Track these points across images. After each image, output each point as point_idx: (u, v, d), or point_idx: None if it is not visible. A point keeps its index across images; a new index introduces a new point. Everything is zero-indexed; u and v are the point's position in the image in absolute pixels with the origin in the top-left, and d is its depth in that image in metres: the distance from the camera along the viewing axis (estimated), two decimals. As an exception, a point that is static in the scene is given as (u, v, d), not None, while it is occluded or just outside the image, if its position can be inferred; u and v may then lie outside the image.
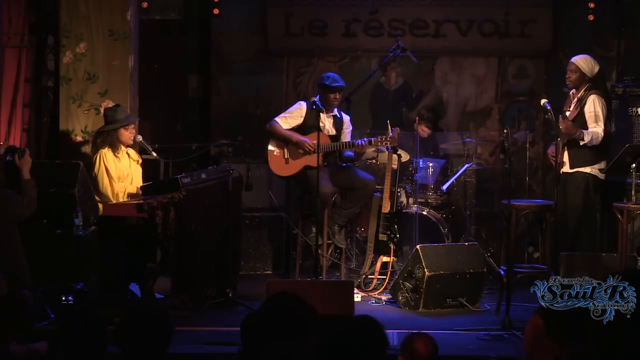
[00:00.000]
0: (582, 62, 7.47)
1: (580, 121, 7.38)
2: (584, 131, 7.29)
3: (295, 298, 3.74)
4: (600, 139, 7.34)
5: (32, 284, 6.17)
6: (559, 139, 7.42)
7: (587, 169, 7.43)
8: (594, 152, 7.40)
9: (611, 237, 7.83)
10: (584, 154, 7.40)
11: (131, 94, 8.22)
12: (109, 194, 7.27)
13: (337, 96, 7.74)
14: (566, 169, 7.47)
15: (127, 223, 6.89)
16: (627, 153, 7.20)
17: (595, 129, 7.33)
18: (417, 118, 8.78)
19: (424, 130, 8.72)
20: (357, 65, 9.43)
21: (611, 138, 7.51)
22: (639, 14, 9.13)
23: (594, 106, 7.36)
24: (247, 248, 8.44)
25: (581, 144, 7.31)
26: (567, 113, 7.48)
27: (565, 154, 7.45)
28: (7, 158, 6.39)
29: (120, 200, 7.23)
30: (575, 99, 7.48)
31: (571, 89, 7.57)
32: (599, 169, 7.47)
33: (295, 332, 3.59)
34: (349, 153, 7.83)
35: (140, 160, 7.55)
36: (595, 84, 7.44)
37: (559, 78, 7.64)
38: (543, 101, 7.34)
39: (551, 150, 7.58)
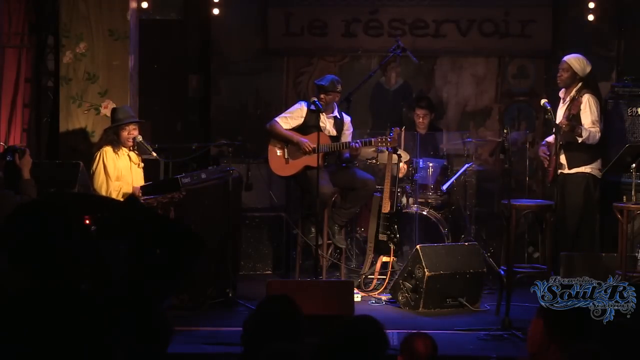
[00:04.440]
0: (575, 61, 7.49)
1: (575, 121, 7.38)
2: (582, 127, 7.31)
3: (283, 301, 3.76)
4: (597, 138, 7.37)
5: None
6: (547, 138, 7.45)
7: (587, 169, 7.45)
8: (591, 151, 7.43)
9: (611, 237, 7.84)
10: (582, 154, 7.41)
11: (131, 94, 8.22)
12: (103, 192, 7.26)
13: (325, 97, 7.71)
14: (564, 170, 7.48)
15: (127, 223, 6.89)
16: (627, 153, 7.21)
17: (593, 128, 7.35)
18: (416, 109, 8.77)
19: (424, 119, 8.66)
20: (357, 65, 9.44)
21: (605, 136, 7.52)
22: (639, 14, 9.13)
23: (589, 106, 7.39)
24: (247, 248, 8.44)
25: (579, 140, 7.31)
26: (560, 113, 7.51)
27: (562, 155, 7.47)
28: (7, 158, 6.38)
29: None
30: (568, 99, 7.49)
31: (562, 88, 7.59)
32: (598, 168, 7.49)
33: (288, 333, 3.60)
34: (347, 154, 7.84)
35: (142, 164, 7.54)
36: (587, 83, 7.46)
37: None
38: (543, 101, 7.35)
39: (542, 150, 7.61)
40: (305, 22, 9.45)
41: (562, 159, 7.48)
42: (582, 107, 7.38)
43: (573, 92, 7.47)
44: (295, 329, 3.67)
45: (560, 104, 7.61)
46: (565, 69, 7.50)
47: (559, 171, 7.48)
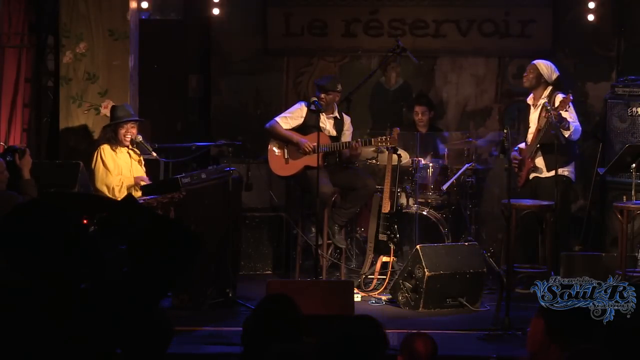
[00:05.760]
0: (543, 65, 7.67)
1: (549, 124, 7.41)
2: (570, 122, 7.35)
3: (282, 301, 3.76)
4: (580, 133, 7.44)
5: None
6: (519, 145, 7.50)
7: (564, 171, 7.47)
8: (567, 155, 7.47)
9: (610, 237, 7.86)
10: (560, 156, 7.42)
11: (131, 94, 8.22)
12: (105, 188, 7.26)
13: (325, 97, 7.72)
14: (542, 173, 7.53)
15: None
16: (627, 153, 7.22)
17: (576, 124, 7.41)
18: (415, 106, 8.78)
19: (422, 115, 8.66)
20: (357, 65, 9.43)
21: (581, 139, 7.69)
22: (639, 14, 9.13)
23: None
24: (247, 248, 8.43)
25: (566, 134, 7.31)
26: (534, 117, 7.57)
27: (540, 158, 7.52)
28: (8, 158, 6.39)
29: (117, 195, 7.22)
30: (539, 102, 7.53)
31: (527, 89, 7.72)
32: (572, 171, 7.56)
33: (288, 333, 3.60)
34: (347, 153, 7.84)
35: (143, 161, 7.55)
36: (557, 88, 7.53)
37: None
38: (543, 101, 7.37)
39: (513, 155, 7.63)
40: (305, 22, 9.45)
41: (539, 162, 7.54)
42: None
43: (544, 96, 7.52)
44: (295, 329, 3.67)
45: (532, 110, 7.69)
46: (532, 70, 7.67)
47: (533, 175, 7.55)
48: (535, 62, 7.73)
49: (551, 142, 7.36)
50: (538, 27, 9.28)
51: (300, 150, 7.72)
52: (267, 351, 3.23)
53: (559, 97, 7.40)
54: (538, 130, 7.52)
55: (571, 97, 7.33)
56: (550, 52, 9.22)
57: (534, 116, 7.66)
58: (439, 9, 9.39)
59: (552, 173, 7.49)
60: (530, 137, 7.70)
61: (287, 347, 3.28)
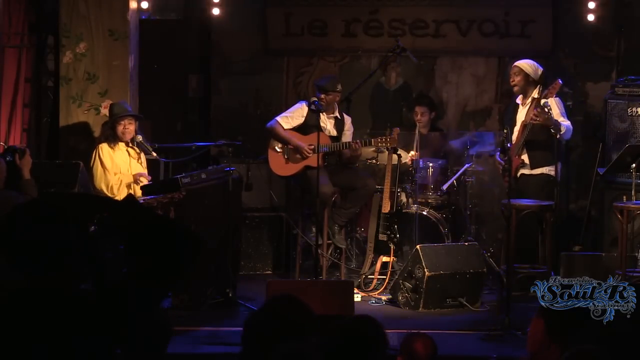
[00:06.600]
0: (526, 65, 7.62)
1: (540, 124, 7.38)
2: (561, 123, 7.33)
3: (293, 301, 3.74)
4: (571, 133, 7.45)
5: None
6: (507, 143, 7.49)
7: (551, 170, 7.44)
8: (553, 153, 7.46)
9: (610, 237, 7.85)
10: (544, 154, 7.42)
11: (131, 93, 8.22)
12: (104, 187, 7.28)
13: (325, 97, 7.72)
14: (526, 170, 7.53)
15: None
16: (627, 153, 7.22)
17: (567, 123, 7.40)
18: (415, 106, 8.74)
19: (422, 116, 8.62)
20: (357, 65, 9.43)
21: (577, 135, 7.70)
22: (639, 14, 9.13)
23: (557, 106, 7.44)
24: (247, 248, 8.44)
25: (557, 136, 7.29)
26: (521, 116, 7.56)
27: (525, 155, 7.51)
28: (7, 158, 6.38)
29: (116, 193, 7.23)
30: (528, 101, 7.52)
31: (518, 94, 7.62)
32: (557, 169, 7.56)
33: (293, 334, 3.59)
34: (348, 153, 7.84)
35: (143, 160, 7.55)
36: (545, 85, 7.51)
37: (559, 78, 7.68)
38: (543, 101, 7.36)
39: (500, 156, 7.61)
40: (305, 22, 9.45)
41: (525, 158, 7.54)
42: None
43: (535, 94, 7.51)
44: (302, 330, 3.65)
45: (520, 108, 7.65)
46: (517, 73, 7.60)
47: (521, 172, 7.54)
48: (517, 63, 7.64)
49: (536, 138, 7.38)
50: (538, 27, 9.28)
51: (298, 155, 7.73)
52: (273, 351, 3.22)
53: (550, 99, 7.40)
54: (524, 126, 7.49)
55: (560, 82, 7.30)
56: (550, 52, 9.23)
57: (521, 114, 7.64)
58: (439, 9, 9.39)
59: (536, 171, 7.50)
60: (515, 135, 7.67)
61: (294, 347, 3.27)
